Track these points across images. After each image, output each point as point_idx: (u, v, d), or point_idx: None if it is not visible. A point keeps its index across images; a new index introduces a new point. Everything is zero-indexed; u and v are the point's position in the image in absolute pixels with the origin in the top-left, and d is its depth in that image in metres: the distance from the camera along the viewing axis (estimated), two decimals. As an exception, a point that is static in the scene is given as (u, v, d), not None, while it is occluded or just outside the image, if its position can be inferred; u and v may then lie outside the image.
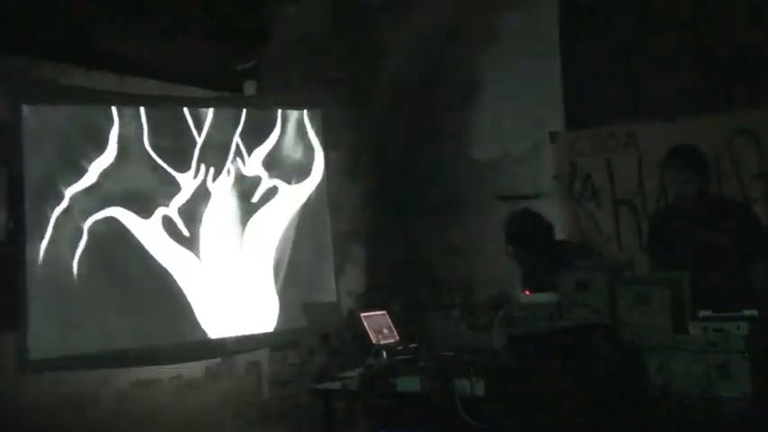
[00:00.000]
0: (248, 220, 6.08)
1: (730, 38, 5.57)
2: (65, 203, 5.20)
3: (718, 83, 5.59)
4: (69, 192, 5.23)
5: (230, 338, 5.88)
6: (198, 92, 6.27)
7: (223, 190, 5.97)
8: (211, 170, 5.91)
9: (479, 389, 3.54)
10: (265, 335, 6.08)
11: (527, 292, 3.98)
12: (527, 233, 4.74)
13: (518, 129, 6.37)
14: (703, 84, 5.64)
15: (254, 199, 6.13)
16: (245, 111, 6.13)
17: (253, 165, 6.13)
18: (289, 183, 6.27)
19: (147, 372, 5.70)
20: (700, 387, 3.06)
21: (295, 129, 6.34)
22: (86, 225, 5.29)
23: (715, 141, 5.47)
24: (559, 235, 5.89)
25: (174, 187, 5.74)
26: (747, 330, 3.09)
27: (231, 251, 5.99)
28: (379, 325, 4.93)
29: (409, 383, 3.86)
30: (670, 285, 3.39)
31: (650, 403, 3.10)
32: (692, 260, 3.98)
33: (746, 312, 3.21)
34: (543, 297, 3.72)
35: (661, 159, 5.29)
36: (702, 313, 3.30)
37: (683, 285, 3.44)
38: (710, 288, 3.61)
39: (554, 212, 6.09)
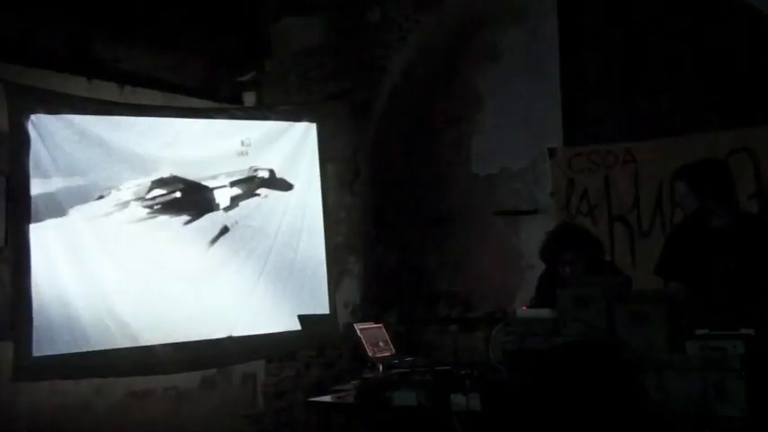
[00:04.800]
0: (245, 229, 6.08)
1: (728, 56, 5.61)
2: (65, 211, 5.21)
3: (715, 101, 5.63)
4: (69, 200, 5.24)
5: (227, 342, 5.87)
6: (198, 102, 6.29)
7: (220, 199, 5.98)
8: (209, 179, 5.92)
9: (475, 404, 3.54)
10: (261, 344, 6.06)
11: (525, 307, 3.98)
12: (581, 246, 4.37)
13: (517, 144, 6.40)
14: (701, 102, 5.68)
15: (252, 209, 6.13)
16: (244, 122, 6.14)
17: (250, 175, 6.13)
18: (287, 194, 6.27)
19: (142, 382, 5.69)
20: (697, 405, 3.07)
21: (294, 140, 6.35)
22: (86, 231, 5.29)
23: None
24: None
25: (174, 196, 5.75)
26: (744, 349, 3.10)
27: (227, 261, 5.99)
28: (375, 338, 4.93)
29: (405, 397, 3.86)
30: (667, 303, 3.40)
31: (648, 421, 3.10)
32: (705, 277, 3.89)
33: (743, 331, 3.22)
34: (541, 313, 3.72)
35: (659, 176, 5.37)
36: (699, 331, 3.31)
37: (680, 303, 3.45)
38: (711, 306, 3.61)
39: (551, 228, 6.13)
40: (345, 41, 6.66)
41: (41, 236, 5.11)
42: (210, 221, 5.93)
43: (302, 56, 6.64)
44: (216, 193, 5.93)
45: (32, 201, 5.08)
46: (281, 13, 6.67)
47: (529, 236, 6.34)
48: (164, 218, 5.73)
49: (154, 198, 5.67)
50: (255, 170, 6.12)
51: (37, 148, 5.11)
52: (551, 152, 6.14)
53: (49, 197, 5.17)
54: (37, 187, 5.11)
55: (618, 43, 6.02)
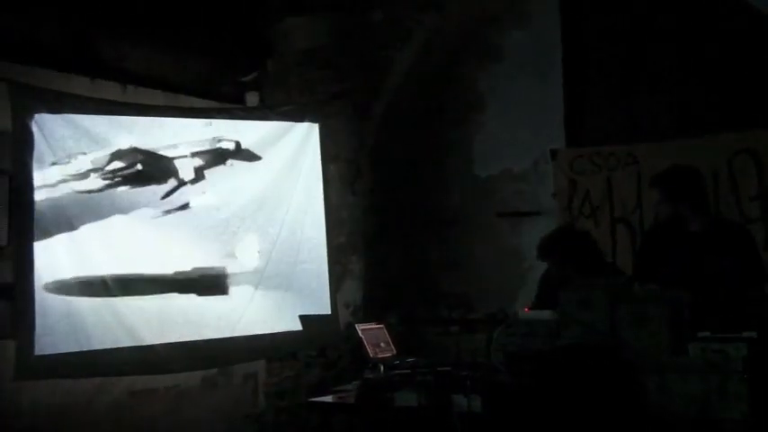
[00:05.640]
0: (248, 229, 6.08)
1: (729, 56, 5.61)
2: (67, 209, 5.21)
3: (716, 102, 5.63)
4: (72, 198, 5.24)
5: (228, 342, 5.86)
6: (200, 102, 6.29)
7: (222, 200, 5.98)
8: (209, 179, 5.92)
9: (477, 405, 3.55)
10: (262, 344, 6.06)
11: (527, 309, 3.99)
12: (570, 248, 4.42)
13: (519, 146, 6.41)
14: (702, 103, 5.68)
15: (255, 209, 6.13)
16: (246, 122, 6.14)
17: (253, 176, 6.13)
18: (289, 194, 6.27)
19: (144, 381, 5.68)
20: (699, 407, 3.07)
21: (296, 141, 6.35)
22: (87, 230, 5.30)
23: (714, 161, 5.50)
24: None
25: (173, 194, 5.75)
26: (746, 351, 3.10)
27: (230, 260, 5.99)
28: (376, 338, 4.94)
29: (406, 398, 3.87)
30: (669, 305, 3.40)
31: (649, 423, 3.10)
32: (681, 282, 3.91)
33: (745, 334, 3.22)
34: (543, 314, 3.72)
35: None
36: (701, 334, 3.31)
37: (682, 305, 3.44)
38: (709, 309, 3.61)
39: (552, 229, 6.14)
40: (348, 42, 6.66)
41: (45, 232, 5.12)
42: (215, 220, 5.93)
43: (304, 56, 6.64)
44: (177, 163, 5.87)
45: (36, 199, 5.09)
46: (283, 13, 6.66)
47: (531, 237, 6.30)
48: (124, 189, 5.56)
49: (113, 171, 5.53)
50: (220, 141, 6.08)
51: (40, 148, 5.11)
52: (553, 153, 6.14)
53: (52, 196, 5.17)
54: (40, 185, 5.11)
55: (620, 44, 6.03)
